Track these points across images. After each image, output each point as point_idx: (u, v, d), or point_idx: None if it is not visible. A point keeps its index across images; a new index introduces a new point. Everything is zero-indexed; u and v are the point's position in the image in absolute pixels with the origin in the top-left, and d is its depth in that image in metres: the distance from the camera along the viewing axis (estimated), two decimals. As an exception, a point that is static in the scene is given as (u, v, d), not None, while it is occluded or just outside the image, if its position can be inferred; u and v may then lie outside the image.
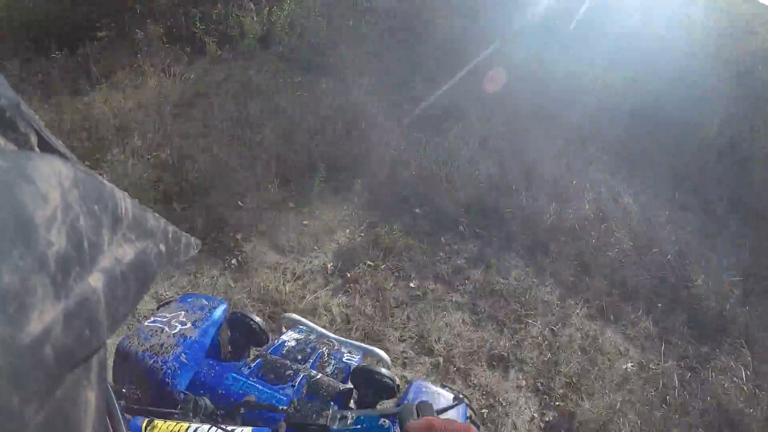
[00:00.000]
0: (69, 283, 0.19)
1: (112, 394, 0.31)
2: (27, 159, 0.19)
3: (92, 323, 0.21)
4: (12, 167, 0.17)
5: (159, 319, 1.06)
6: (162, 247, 0.28)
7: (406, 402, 0.88)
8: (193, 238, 0.34)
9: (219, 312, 1.12)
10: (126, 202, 0.24)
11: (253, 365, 1.04)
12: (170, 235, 0.29)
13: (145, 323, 1.05)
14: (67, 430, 0.21)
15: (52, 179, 0.19)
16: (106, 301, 0.21)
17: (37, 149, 0.23)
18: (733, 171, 4.02)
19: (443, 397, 1.00)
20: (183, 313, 1.08)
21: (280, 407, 0.83)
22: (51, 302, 0.18)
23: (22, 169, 0.18)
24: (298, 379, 1.01)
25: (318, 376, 1.05)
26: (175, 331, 1.03)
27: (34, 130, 0.23)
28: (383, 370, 1.00)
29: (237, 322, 1.16)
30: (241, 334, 1.17)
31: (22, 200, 0.17)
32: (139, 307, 2.01)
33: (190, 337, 1.02)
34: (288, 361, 1.07)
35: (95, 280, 0.20)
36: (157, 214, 0.28)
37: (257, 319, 1.17)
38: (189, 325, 1.05)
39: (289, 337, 1.22)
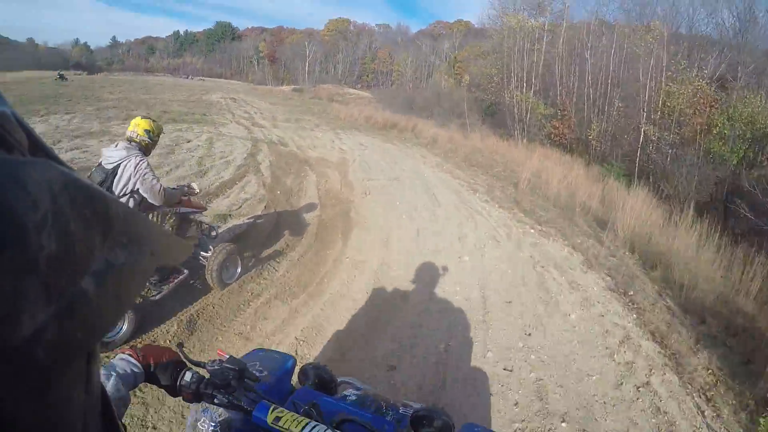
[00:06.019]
0: (60, 286, 0.19)
1: (108, 396, 0.31)
2: (18, 165, 0.19)
3: (84, 325, 0.21)
4: (3, 173, 0.18)
5: None
6: (154, 250, 0.28)
7: None
8: (186, 242, 0.34)
9: (290, 364, 1.28)
10: (117, 206, 0.24)
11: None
12: (162, 239, 0.30)
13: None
14: (60, 430, 0.21)
15: (43, 184, 0.19)
16: (97, 304, 0.22)
17: (28, 155, 0.23)
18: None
19: None
20: (257, 363, 1.21)
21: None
22: (42, 305, 0.18)
23: (13, 174, 0.18)
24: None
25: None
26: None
27: (25, 136, 0.23)
28: (441, 412, 1.06)
29: (307, 373, 1.27)
30: (312, 384, 1.26)
31: (14, 205, 0.18)
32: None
33: (268, 382, 1.13)
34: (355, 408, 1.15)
35: (86, 283, 0.21)
36: (149, 218, 0.28)
37: (327, 369, 1.29)
38: (266, 373, 1.18)
39: (350, 393, 1.31)
